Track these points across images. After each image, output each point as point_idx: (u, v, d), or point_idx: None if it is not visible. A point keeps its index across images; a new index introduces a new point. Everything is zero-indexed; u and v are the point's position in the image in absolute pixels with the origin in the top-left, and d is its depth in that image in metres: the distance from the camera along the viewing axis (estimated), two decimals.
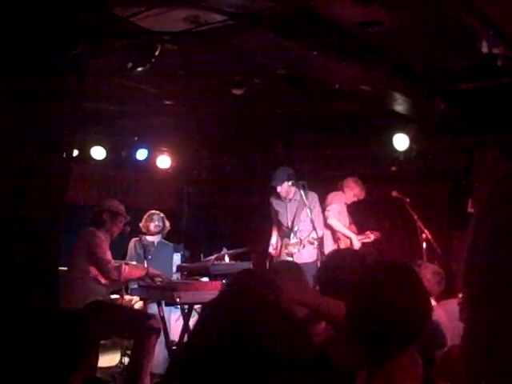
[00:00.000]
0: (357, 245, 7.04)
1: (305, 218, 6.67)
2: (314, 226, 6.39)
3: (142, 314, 5.44)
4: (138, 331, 4.99)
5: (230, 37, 3.81)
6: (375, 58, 5.43)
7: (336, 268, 2.93)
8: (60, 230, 3.38)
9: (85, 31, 3.31)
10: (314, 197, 6.68)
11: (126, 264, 5.74)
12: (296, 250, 6.62)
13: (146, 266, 5.50)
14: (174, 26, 3.56)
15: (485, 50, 4.52)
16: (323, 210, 7.04)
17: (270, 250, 7.21)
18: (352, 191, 7.30)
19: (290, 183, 6.80)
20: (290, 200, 6.90)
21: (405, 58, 5.61)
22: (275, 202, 7.12)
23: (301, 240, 6.60)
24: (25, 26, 3.03)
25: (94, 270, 5.16)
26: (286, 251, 6.76)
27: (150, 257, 5.76)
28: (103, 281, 5.22)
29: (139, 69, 4.64)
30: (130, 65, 4.59)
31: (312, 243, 6.50)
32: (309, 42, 4.78)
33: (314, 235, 6.47)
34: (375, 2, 4.39)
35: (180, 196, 9.67)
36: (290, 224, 6.87)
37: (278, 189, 6.85)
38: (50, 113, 3.20)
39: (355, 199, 7.33)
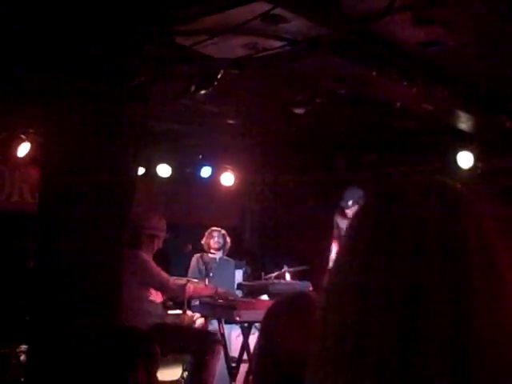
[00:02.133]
0: None
1: None
2: None
3: (204, 332, 5.52)
4: (200, 348, 5.07)
5: (288, 62, 3.89)
6: (437, 77, 5.39)
7: None
8: (123, 247, 3.52)
9: (148, 61, 3.46)
10: None
11: (188, 281, 5.85)
12: None
13: (207, 282, 5.58)
14: (233, 53, 3.66)
15: None
16: None
17: (331, 265, 7.17)
18: None
19: (358, 205, 6.79)
20: None
21: (468, 76, 5.55)
22: (339, 220, 7.11)
23: None
24: (94, 57, 3.20)
25: (145, 292, 5.15)
26: None
27: (211, 274, 5.86)
28: (158, 300, 5.29)
29: (202, 92, 4.80)
30: (193, 88, 4.75)
31: None
32: (368, 63, 4.81)
33: None
34: (436, 22, 4.39)
35: (243, 213, 9.80)
36: None
37: (347, 210, 6.85)
38: (116, 138, 3.35)
39: None
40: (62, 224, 3.34)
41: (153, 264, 5.21)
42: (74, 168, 3.25)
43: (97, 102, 3.33)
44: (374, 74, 5.07)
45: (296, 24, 3.28)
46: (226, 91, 5.80)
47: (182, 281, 5.38)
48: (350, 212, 6.84)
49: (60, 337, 3.35)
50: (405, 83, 5.22)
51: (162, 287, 5.20)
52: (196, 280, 5.97)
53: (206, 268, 5.87)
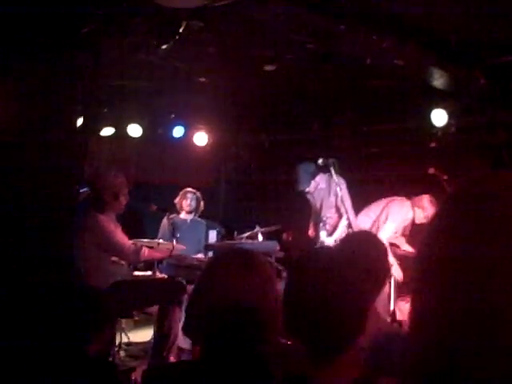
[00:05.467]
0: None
1: (332, 204, 6.48)
2: (339, 214, 6.24)
3: (167, 281, 5.55)
4: (164, 297, 5.12)
5: (248, 11, 3.73)
6: (407, 31, 5.25)
7: None
8: (74, 209, 3.40)
9: (95, 9, 3.29)
10: (342, 183, 6.30)
11: (155, 244, 5.71)
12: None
13: (175, 243, 5.49)
14: (189, 3, 3.50)
15: None
16: (381, 213, 6.42)
17: (310, 232, 6.99)
18: (425, 212, 6.25)
19: (316, 179, 6.61)
20: (316, 189, 6.70)
21: (439, 31, 5.40)
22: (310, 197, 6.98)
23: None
24: (34, 4, 3.03)
25: (105, 254, 5.06)
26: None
27: (178, 235, 5.77)
28: (123, 261, 5.29)
29: (164, 46, 4.62)
30: (155, 42, 4.57)
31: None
32: (335, 16, 4.65)
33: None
34: None
35: (217, 173, 9.68)
36: (318, 212, 6.69)
37: (307, 190, 6.68)
38: (61, 90, 3.20)
39: (424, 221, 6.21)
40: (9, 181, 3.20)
41: (111, 228, 5.04)
42: (18, 122, 3.10)
43: (43, 51, 3.16)
44: (343, 27, 4.92)
45: None
46: (193, 47, 5.63)
47: (137, 245, 5.24)
48: (311, 189, 6.64)
49: (10, 296, 3.25)
50: (374, 37, 5.08)
51: (118, 253, 5.15)
52: (161, 241, 5.91)
53: (173, 229, 5.78)
